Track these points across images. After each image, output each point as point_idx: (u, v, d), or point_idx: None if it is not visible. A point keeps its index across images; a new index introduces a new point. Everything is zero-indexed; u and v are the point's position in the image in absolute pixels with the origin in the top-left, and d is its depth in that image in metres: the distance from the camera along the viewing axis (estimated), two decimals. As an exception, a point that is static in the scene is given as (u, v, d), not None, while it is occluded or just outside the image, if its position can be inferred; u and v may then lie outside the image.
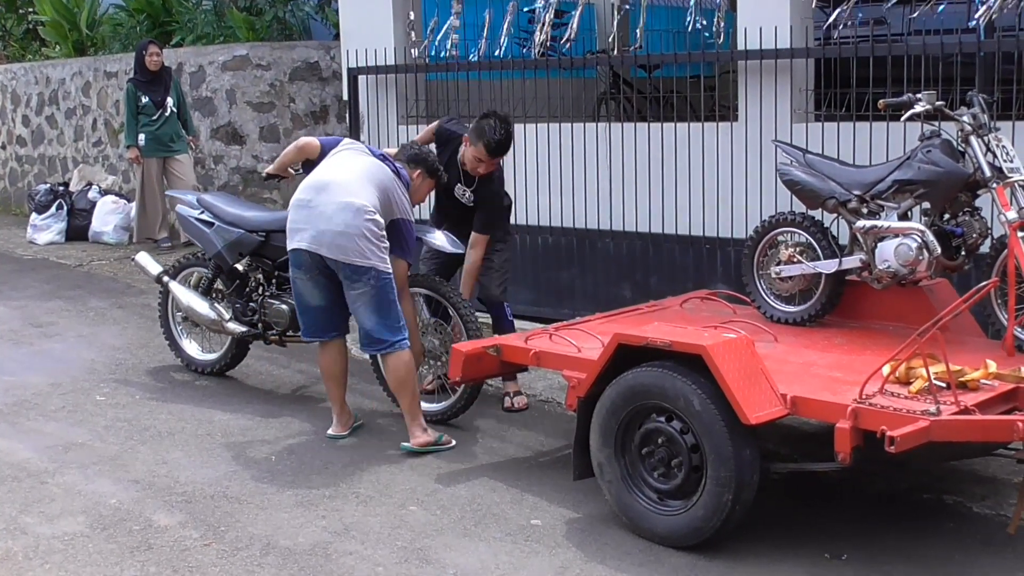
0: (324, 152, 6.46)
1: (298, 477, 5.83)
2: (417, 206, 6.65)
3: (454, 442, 6.24)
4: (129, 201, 12.79)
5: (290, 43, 12.67)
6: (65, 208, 13.06)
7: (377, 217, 6.05)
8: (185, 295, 7.40)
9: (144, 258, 7.91)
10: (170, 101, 11.66)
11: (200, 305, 7.30)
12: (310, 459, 6.10)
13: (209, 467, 5.99)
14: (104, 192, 13.23)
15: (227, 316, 7.23)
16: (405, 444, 6.16)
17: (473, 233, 6.80)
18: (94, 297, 10.14)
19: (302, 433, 6.48)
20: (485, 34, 8.83)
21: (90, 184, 13.48)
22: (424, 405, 6.44)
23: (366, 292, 6.05)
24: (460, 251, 6.73)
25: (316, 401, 7.06)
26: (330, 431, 6.43)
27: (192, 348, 7.71)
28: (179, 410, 6.95)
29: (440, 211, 7.04)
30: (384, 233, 6.09)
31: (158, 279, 7.67)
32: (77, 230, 12.96)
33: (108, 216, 12.79)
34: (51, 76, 14.55)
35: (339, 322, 6.34)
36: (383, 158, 6.33)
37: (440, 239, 6.66)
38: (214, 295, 7.44)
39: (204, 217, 7.29)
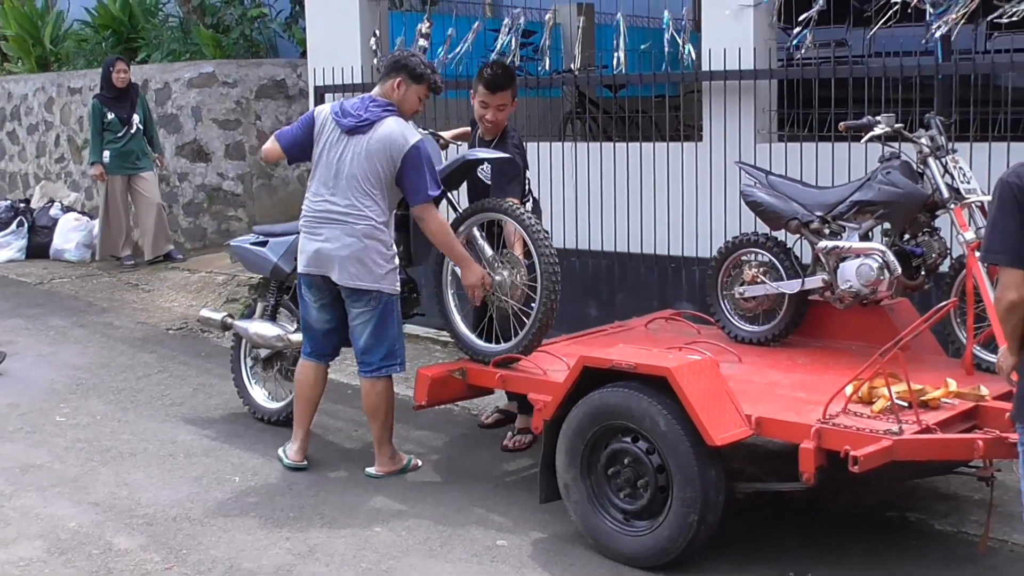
0: (294, 150, 6.06)
1: (263, 498, 5.80)
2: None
3: (421, 462, 6.22)
4: (92, 218, 12.71)
5: (257, 60, 12.65)
6: (26, 225, 12.97)
7: (381, 235, 5.82)
8: (250, 325, 7.02)
9: (207, 311, 7.57)
10: (136, 118, 11.59)
11: (264, 327, 6.93)
12: (275, 480, 6.07)
13: (171, 488, 5.95)
14: (66, 209, 13.15)
15: (291, 328, 6.85)
16: (370, 470, 6.11)
17: (482, 150, 6.27)
18: (55, 316, 10.06)
19: (267, 453, 6.44)
20: (445, 52, 8.84)
21: (52, 201, 13.40)
22: (488, 345, 5.99)
23: (367, 312, 5.91)
24: (497, 154, 6.17)
25: (282, 420, 7.02)
26: (288, 458, 6.20)
27: (259, 395, 7.16)
28: (141, 430, 6.90)
29: (471, 199, 6.53)
30: (392, 250, 5.89)
31: (223, 325, 7.32)
32: (38, 247, 12.86)
33: (70, 233, 12.70)
34: (13, 91, 14.46)
35: (339, 344, 6.22)
36: (366, 105, 5.87)
37: (478, 152, 6.22)
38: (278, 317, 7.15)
39: (256, 240, 7.01)
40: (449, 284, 6.13)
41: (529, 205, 6.45)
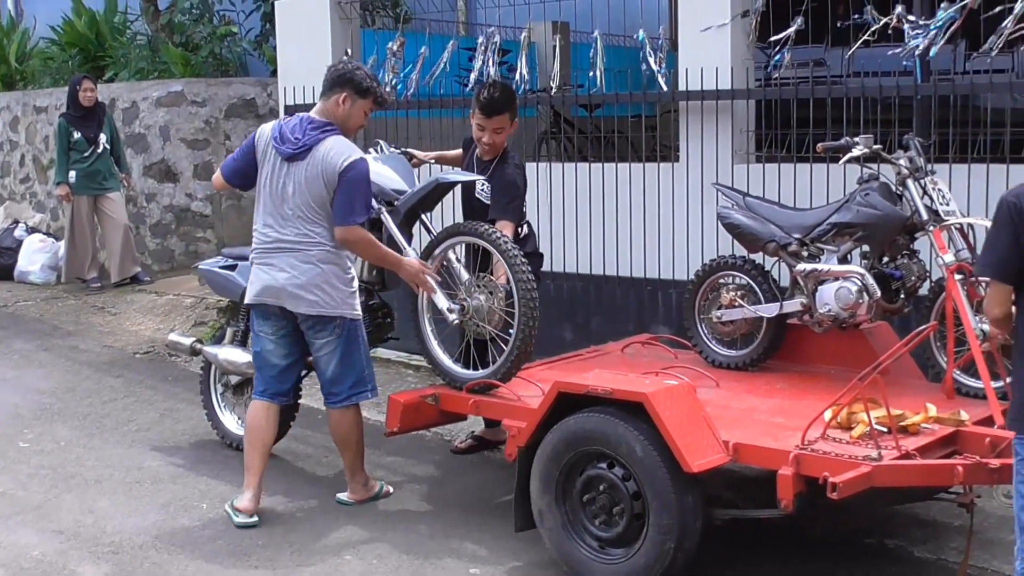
0: (236, 179, 5.97)
1: (231, 526, 5.76)
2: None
3: (392, 489, 6.19)
4: (57, 240, 12.66)
5: (226, 79, 12.65)
6: (-11, 246, 12.92)
7: (337, 258, 5.71)
8: (219, 351, 6.91)
9: (175, 336, 7.51)
10: (103, 137, 11.57)
11: (234, 353, 6.80)
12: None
13: (138, 516, 5.92)
14: (31, 230, 13.09)
15: None
16: (341, 496, 6.07)
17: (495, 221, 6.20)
18: (19, 339, 10.01)
19: (236, 480, 6.40)
20: (418, 71, 8.86)
21: (16, 222, 13.35)
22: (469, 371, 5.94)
23: (332, 341, 5.78)
24: (474, 177, 6.23)
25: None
26: (237, 512, 5.80)
27: (230, 421, 7.03)
28: (107, 456, 6.87)
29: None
30: (350, 274, 5.79)
31: (192, 351, 7.25)
32: (2, 269, 12.79)
33: (35, 255, 12.64)
34: (-23, 110, 14.42)
35: (297, 382, 6.10)
36: (304, 128, 5.68)
37: (452, 175, 6.21)
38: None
39: (225, 263, 6.96)
40: (426, 309, 6.07)
41: (525, 228, 6.51)
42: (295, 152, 5.66)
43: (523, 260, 5.68)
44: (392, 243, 6.00)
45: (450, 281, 5.92)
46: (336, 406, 5.92)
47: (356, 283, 5.88)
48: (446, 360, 6.02)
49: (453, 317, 5.77)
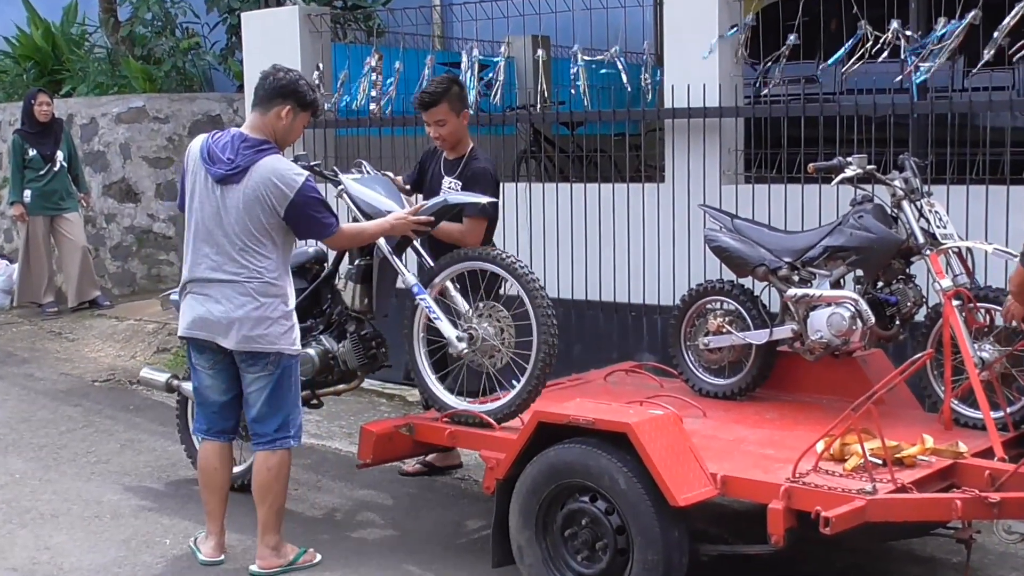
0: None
1: (195, 563, 5.74)
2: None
3: (319, 557, 5.77)
4: (11, 262, 12.61)
5: (190, 95, 12.66)
6: (-60, 269, 12.87)
7: (276, 290, 5.46)
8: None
9: (147, 372, 7.33)
10: (60, 155, 11.55)
11: None
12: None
13: (97, 552, 5.89)
14: (-17, 252, 13.06)
15: None
16: (253, 568, 5.63)
17: (465, 219, 6.24)
18: (-28, 367, 9.98)
19: (200, 515, 6.36)
20: (394, 87, 8.89)
21: (-31, 243, 13.31)
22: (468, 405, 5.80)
23: (263, 378, 5.54)
24: (476, 200, 6.09)
25: (239, 487, 6.91)
26: (202, 554, 5.74)
27: None
28: (64, 489, 6.84)
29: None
30: (290, 306, 5.56)
31: (168, 386, 7.09)
32: (-47, 293, 12.75)
33: (-13, 278, 12.61)
34: (-72, 126, 14.37)
35: (239, 417, 5.83)
36: (237, 147, 5.45)
37: (458, 196, 6.13)
38: None
39: None
40: (422, 342, 5.93)
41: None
42: (229, 174, 5.41)
43: (540, 284, 5.61)
44: (388, 268, 5.96)
45: (451, 314, 5.77)
46: (259, 448, 5.65)
47: (295, 318, 5.61)
48: (447, 395, 5.86)
49: (462, 346, 5.61)
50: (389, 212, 5.91)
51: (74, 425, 8.25)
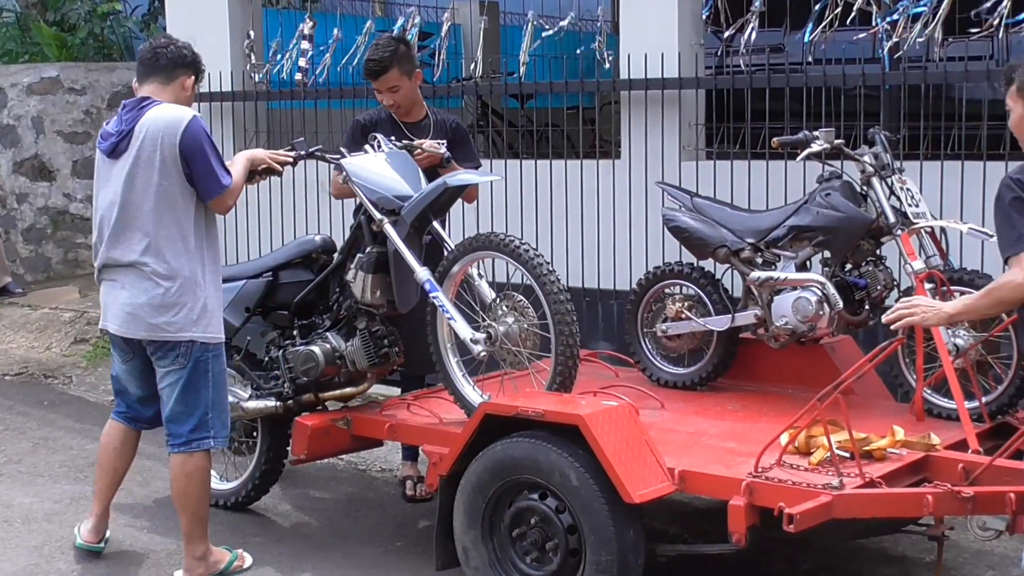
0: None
1: (112, 569, 5.74)
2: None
3: (250, 561, 5.77)
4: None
5: (109, 64, 12.54)
6: None
7: (186, 271, 5.35)
8: None
9: None
10: (-35, 130, 11.45)
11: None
12: (128, 546, 6.01)
13: (6, 560, 5.87)
14: None
15: (245, 396, 6.35)
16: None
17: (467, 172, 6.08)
18: None
19: (118, 517, 6.36)
20: (329, 56, 8.86)
21: None
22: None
23: (174, 372, 5.43)
24: (489, 177, 6.30)
25: (134, 479, 6.91)
26: (81, 537, 5.84)
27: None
28: (-28, 492, 6.80)
29: None
30: (204, 289, 5.42)
31: None
32: None
33: None
34: None
35: (157, 411, 5.72)
36: (121, 116, 5.45)
37: (462, 175, 5.93)
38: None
39: None
40: (448, 336, 5.72)
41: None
42: (117, 142, 5.39)
43: (558, 278, 5.49)
44: (399, 259, 5.72)
45: (471, 300, 5.67)
46: (174, 451, 5.51)
47: (214, 302, 5.50)
48: (474, 394, 5.66)
49: (479, 348, 5.44)
50: (397, 197, 5.75)
51: (-18, 422, 8.21)
